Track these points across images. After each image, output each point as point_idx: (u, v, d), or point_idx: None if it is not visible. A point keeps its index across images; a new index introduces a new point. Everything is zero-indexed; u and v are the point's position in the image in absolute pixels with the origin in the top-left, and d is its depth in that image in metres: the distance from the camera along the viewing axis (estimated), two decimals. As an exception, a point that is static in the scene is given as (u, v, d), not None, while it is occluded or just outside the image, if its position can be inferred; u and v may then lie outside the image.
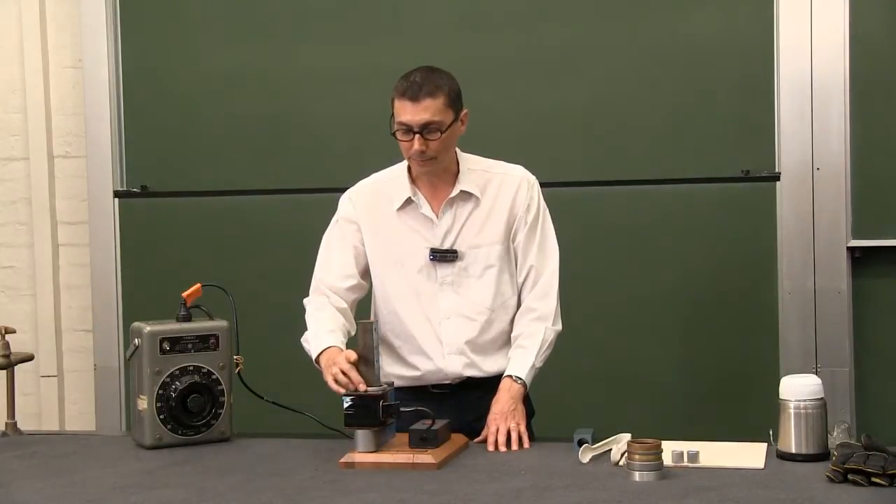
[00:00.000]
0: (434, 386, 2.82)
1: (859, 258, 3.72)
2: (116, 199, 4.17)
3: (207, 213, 4.14)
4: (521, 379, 2.73)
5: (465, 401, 2.79)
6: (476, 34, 3.91)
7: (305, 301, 2.86)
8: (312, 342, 2.73)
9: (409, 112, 2.66)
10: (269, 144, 4.09)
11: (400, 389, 2.72)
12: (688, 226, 3.80)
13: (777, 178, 3.73)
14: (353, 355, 2.58)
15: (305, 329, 2.80)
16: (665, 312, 3.83)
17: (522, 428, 2.67)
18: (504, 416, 2.67)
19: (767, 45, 3.72)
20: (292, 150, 4.07)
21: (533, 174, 2.86)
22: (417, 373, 2.81)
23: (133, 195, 4.18)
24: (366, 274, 2.87)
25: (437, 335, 2.80)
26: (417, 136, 2.66)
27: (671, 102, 3.81)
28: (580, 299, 3.68)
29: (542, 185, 2.86)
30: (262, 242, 4.09)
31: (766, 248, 3.75)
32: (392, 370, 2.82)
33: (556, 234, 2.86)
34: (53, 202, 4.37)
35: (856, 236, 3.71)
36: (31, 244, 4.39)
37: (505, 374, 2.76)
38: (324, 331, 2.72)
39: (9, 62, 4.38)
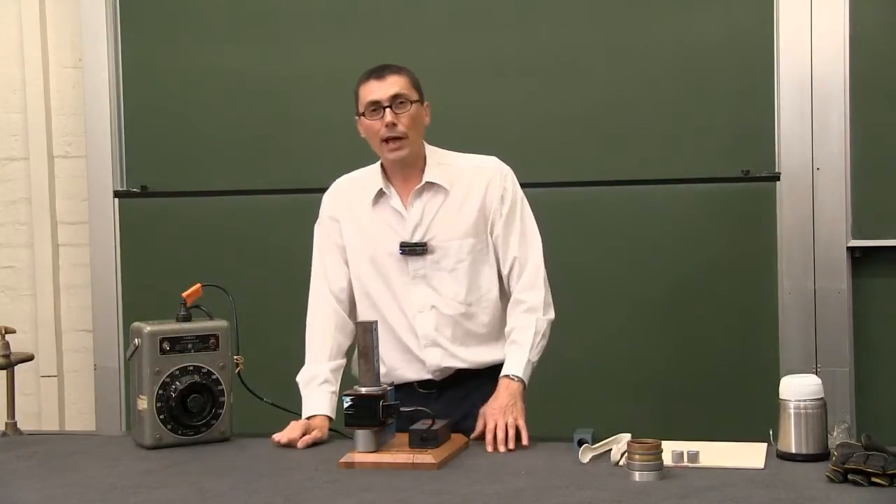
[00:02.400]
0: (420, 385, 2.82)
1: (859, 258, 3.72)
2: (116, 199, 4.18)
3: (207, 213, 4.14)
4: (517, 377, 2.73)
5: (452, 400, 2.79)
6: (476, 35, 3.91)
7: (308, 313, 2.88)
8: (304, 396, 2.80)
9: (376, 90, 2.72)
10: (268, 144, 4.09)
11: None
12: (688, 226, 3.80)
13: (777, 178, 3.73)
14: (308, 438, 2.67)
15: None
16: (665, 312, 3.83)
17: (521, 423, 2.64)
18: (502, 410, 2.65)
19: (767, 45, 3.72)
20: (292, 150, 4.07)
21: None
22: (397, 367, 2.81)
23: (133, 195, 4.18)
24: None
25: (412, 328, 2.80)
26: (388, 109, 2.70)
27: (671, 103, 3.81)
28: (580, 299, 3.68)
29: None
30: (262, 242, 4.09)
31: (766, 248, 3.75)
32: None
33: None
34: (53, 202, 4.37)
35: (856, 236, 3.71)
36: (31, 244, 4.38)
37: (502, 375, 2.75)
38: (315, 383, 2.79)
39: (9, 62, 4.38)
